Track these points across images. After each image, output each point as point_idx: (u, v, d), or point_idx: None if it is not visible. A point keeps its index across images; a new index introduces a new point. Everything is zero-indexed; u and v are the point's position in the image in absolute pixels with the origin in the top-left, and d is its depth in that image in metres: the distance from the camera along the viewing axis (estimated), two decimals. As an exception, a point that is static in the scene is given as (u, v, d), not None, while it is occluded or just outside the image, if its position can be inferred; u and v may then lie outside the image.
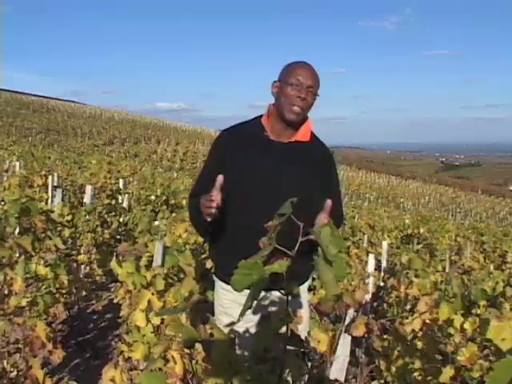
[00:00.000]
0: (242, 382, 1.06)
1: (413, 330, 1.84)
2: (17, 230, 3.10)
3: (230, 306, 2.03)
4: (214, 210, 1.84)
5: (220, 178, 1.86)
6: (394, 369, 1.78)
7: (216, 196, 1.84)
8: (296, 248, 1.06)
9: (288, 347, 1.17)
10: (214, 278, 2.17)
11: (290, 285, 1.09)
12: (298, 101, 1.99)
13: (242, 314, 1.01)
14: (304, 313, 2.03)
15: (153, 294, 2.26)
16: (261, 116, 2.13)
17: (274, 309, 1.81)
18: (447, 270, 6.32)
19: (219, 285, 2.13)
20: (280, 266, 1.05)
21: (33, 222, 2.95)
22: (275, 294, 1.86)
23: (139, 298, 2.24)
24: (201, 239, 3.77)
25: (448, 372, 1.41)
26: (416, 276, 3.76)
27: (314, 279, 3.32)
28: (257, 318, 1.72)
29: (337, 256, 1.04)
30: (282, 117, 2.03)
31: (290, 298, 1.14)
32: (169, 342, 1.27)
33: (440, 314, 1.73)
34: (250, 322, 1.73)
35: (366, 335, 2.68)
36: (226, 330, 1.80)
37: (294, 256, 1.07)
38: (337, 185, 2.23)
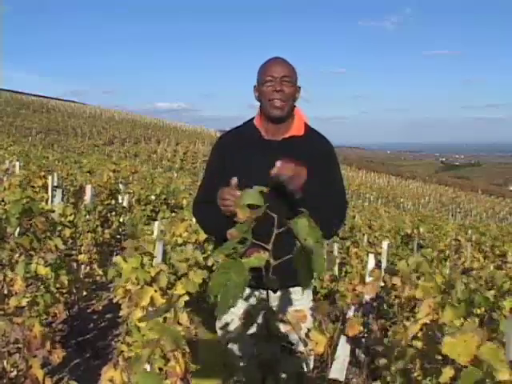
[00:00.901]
0: (233, 383, 1.04)
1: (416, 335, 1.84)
2: (17, 231, 3.10)
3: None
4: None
5: (234, 180, 1.85)
6: (393, 369, 1.78)
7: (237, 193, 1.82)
8: (272, 240, 1.02)
9: (277, 347, 1.16)
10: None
11: (270, 281, 1.05)
12: (275, 94, 1.99)
13: (220, 313, 0.98)
14: (307, 312, 2.03)
15: (155, 290, 2.26)
16: (253, 118, 2.16)
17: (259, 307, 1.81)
18: (448, 271, 6.32)
19: None
20: (258, 259, 1.00)
21: (34, 223, 2.95)
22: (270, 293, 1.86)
23: (142, 295, 2.24)
24: (201, 238, 3.78)
25: (448, 372, 1.41)
26: (422, 279, 3.74)
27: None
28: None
29: (314, 247, 0.99)
30: (268, 116, 2.05)
31: (279, 294, 1.12)
32: (155, 344, 1.26)
33: (443, 317, 1.73)
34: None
35: (365, 335, 2.68)
36: (226, 329, 1.80)
37: (285, 252, 1.03)
38: (340, 179, 2.19)
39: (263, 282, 1.08)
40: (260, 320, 1.13)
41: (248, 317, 1.15)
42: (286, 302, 1.98)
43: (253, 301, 1.84)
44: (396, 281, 3.37)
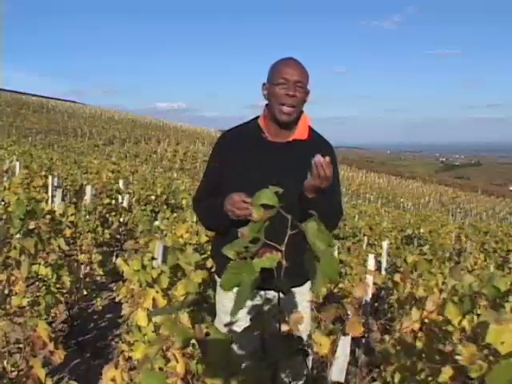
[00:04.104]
0: (239, 382, 1.05)
1: (412, 330, 1.84)
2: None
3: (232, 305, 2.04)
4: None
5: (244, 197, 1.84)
6: (393, 369, 1.78)
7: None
8: (285, 241, 1.00)
9: (286, 347, 1.16)
10: (216, 277, 2.18)
11: (281, 282, 1.04)
12: (287, 98, 1.96)
13: (233, 314, 0.98)
14: (304, 313, 2.03)
15: (157, 292, 2.27)
16: (257, 117, 2.13)
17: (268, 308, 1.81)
18: (448, 271, 6.31)
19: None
20: (270, 260, 0.99)
21: (37, 224, 2.94)
22: (271, 294, 1.85)
23: (144, 296, 2.24)
24: (202, 240, 3.78)
25: (447, 372, 1.41)
26: (421, 278, 3.75)
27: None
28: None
29: (325, 252, 0.97)
30: (275, 118, 2.02)
31: (283, 296, 1.12)
32: (164, 341, 1.27)
33: (447, 315, 1.74)
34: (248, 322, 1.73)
35: (365, 335, 2.68)
36: (227, 329, 1.80)
37: (291, 253, 1.02)
38: (338, 183, 2.17)
39: (268, 283, 1.07)
40: (271, 321, 1.14)
41: (258, 318, 1.15)
42: (286, 302, 1.99)
43: (258, 301, 1.84)
44: (396, 278, 3.38)
